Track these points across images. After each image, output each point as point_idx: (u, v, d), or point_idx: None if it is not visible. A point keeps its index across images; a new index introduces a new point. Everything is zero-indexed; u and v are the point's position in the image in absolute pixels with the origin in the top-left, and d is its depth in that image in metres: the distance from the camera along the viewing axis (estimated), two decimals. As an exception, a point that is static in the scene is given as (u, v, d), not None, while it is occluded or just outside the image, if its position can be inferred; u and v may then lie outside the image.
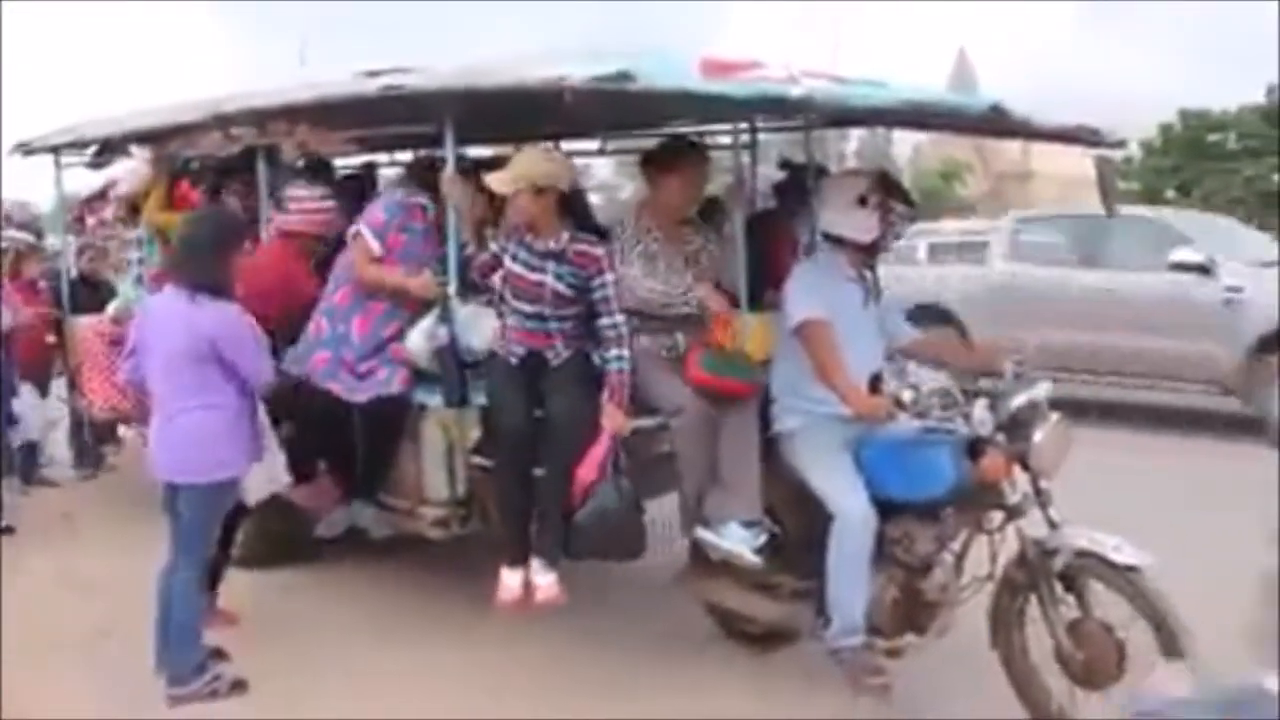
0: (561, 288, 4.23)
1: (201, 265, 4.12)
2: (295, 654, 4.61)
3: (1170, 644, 3.42)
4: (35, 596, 5.41)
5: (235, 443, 4.19)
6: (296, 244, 5.13)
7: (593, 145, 6.81)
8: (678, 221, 4.53)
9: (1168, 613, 3.45)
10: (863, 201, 4.08)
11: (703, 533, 4.16)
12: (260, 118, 5.10)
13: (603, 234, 4.55)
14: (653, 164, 4.56)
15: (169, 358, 4.10)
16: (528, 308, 4.29)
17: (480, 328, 4.40)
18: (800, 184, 5.47)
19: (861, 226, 4.09)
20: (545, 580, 4.18)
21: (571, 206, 4.48)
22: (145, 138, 6.06)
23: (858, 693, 3.92)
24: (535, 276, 4.26)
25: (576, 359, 4.33)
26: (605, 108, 4.44)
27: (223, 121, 5.26)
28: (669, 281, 4.40)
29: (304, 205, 5.11)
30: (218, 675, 4.24)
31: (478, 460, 4.39)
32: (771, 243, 4.99)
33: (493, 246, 4.40)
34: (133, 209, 6.60)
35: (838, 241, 4.17)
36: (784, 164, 5.84)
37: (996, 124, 4.15)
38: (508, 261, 4.32)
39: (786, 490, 4.16)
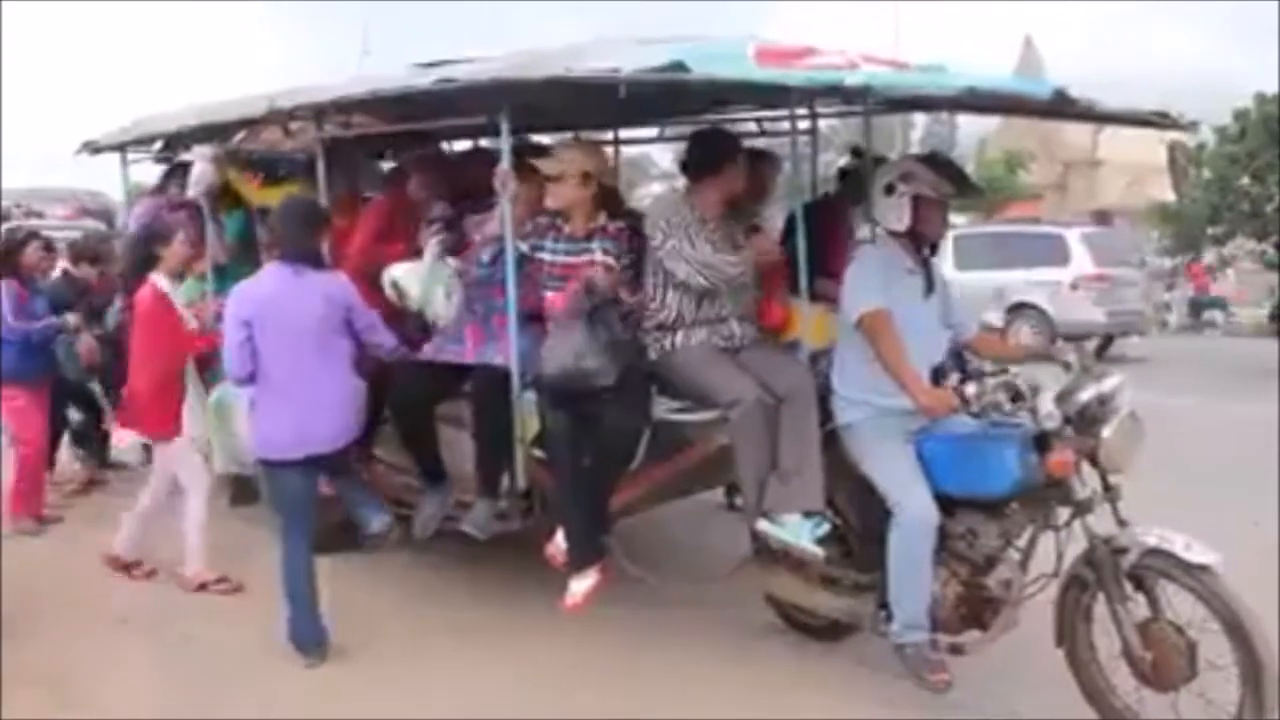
0: (611, 260, 4.37)
1: (306, 240, 4.42)
2: (350, 640, 4.66)
3: (1243, 644, 3.32)
4: (107, 575, 5.57)
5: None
6: None
7: (649, 133, 6.77)
8: (725, 213, 4.49)
9: (1241, 612, 3.35)
10: (889, 189, 4.01)
11: (764, 524, 4.10)
12: (317, 111, 5.13)
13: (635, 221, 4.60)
14: (690, 168, 4.51)
15: (310, 330, 4.33)
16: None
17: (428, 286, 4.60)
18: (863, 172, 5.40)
19: (890, 214, 4.02)
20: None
21: (608, 200, 4.60)
22: (206, 133, 6.13)
23: (920, 688, 3.87)
24: (583, 258, 4.38)
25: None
26: (661, 96, 4.40)
27: (280, 115, 5.30)
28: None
29: None
30: None
31: (538, 454, 4.39)
32: (826, 230, 4.91)
33: (522, 246, 4.44)
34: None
35: (892, 232, 4.10)
36: (855, 151, 5.76)
37: (1065, 109, 4.04)
38: (546, 256, 4.44)
39: (847, 483, 4.10)
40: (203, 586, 5.35)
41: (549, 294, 4.47)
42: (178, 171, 7.28)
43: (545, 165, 4.41)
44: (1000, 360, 4.28)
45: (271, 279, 4.44)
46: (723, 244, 4.34)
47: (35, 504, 6.47)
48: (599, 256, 4.38)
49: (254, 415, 4.50)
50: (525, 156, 4.63)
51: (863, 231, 5.74)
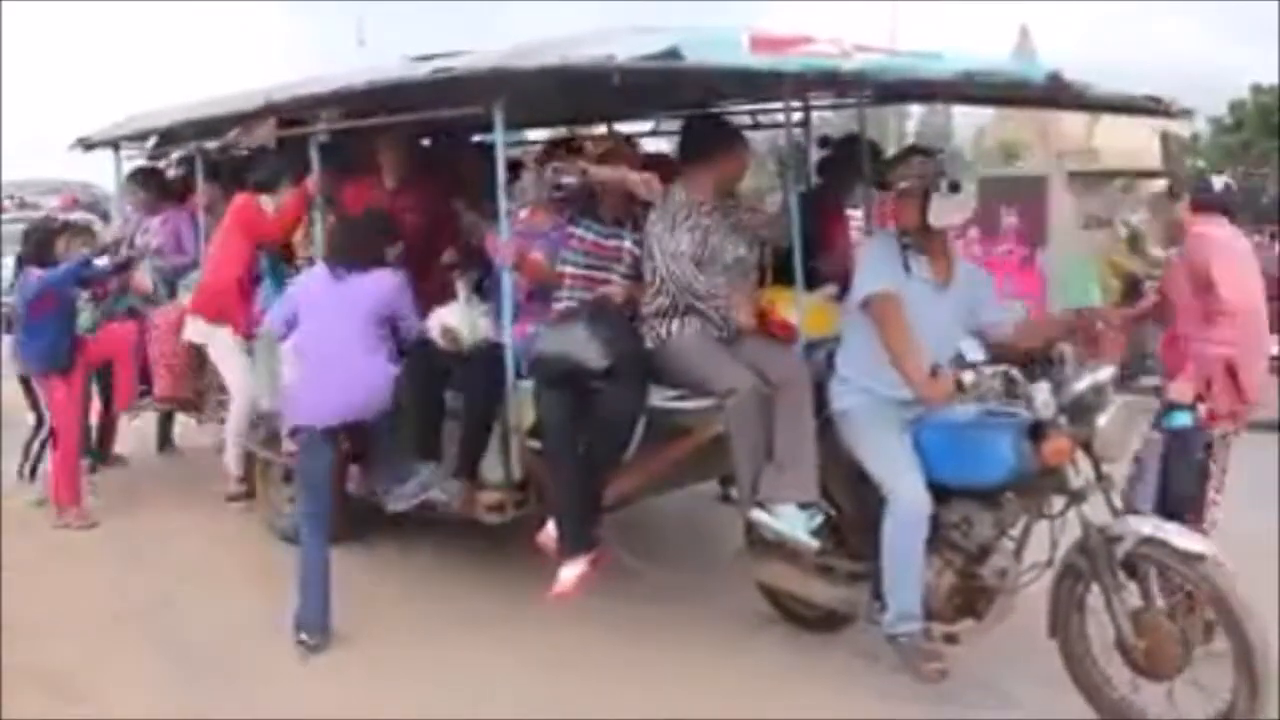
0: (638, 251, 4.57)
1: (356, 251, 4.79)
2: (352, 628, 4.67)
3: (1237, 632, 3.33)
4: (103, 570, 5.59)
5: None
6: None
7: (645, 126, 6.76)
8: (722, 196, 4.50)
9: (1234, 600, 3.36)
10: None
11: (758, 514, 4.10)
12: (312, 105, 5.12)
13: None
14: (683, 155, 4.55)
15: (346, 322, 4.67)
16: (600, 274, 4.59)
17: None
18: (844, 158, 5.39)
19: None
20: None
21: None
22: (200, 129, 6.11)
23: (914, 679, 3.87)
24: (613, 243, 4.62)
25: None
26: (656, 87, 4.40)
27: (275, 110, 5.29)
28: (724, 257, 4.39)
29: None
30: None
31: (533, 443, 4.40)
32: (819, 220, 4.91)
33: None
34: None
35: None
36: (823, 141, 5.78)
37: (1058, 94, 4.03)
38: (579, 231, 4.61)
39: (842, 472, 4.09)
40: (234, 499, 5.94)
41: (568, 269, 4.62)
42: (140, 175, 7.28)
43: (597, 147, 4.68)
44: (1045, 338, 4.11)
45: (315, 278, 4.88)
46: (718, 230, 4.38)
47: (77, 494, 6.49)
48: (628, 245, 4.60)
49: (290, 388, 4.89)
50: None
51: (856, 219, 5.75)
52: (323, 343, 4.69)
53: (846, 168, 5.42)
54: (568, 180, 4.74)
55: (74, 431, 6.44)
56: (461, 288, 4.86)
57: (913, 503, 3.76)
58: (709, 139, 4.50)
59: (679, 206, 4.34)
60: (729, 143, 4.49)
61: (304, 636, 4.50)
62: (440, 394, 4.80)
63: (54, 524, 6.27)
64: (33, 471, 6.71)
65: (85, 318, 6.66)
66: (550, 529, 4.33)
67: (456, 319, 4.70)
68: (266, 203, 5.86)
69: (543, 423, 4.30)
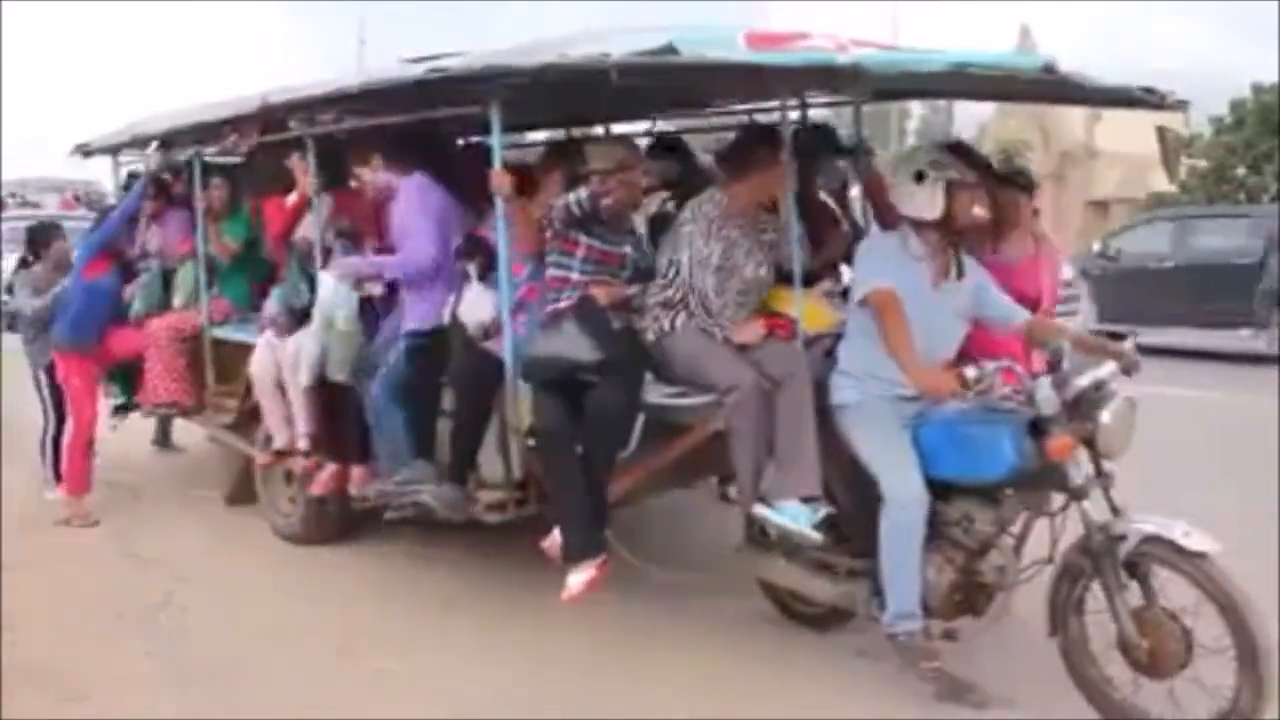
0: (638, 257, 4.59)
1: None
2: (362, 628, 4.67)
3: (1241, 630, 3.31)
4: (104, 570, 5.60)
5: None
6: None
7: (642, 127, 6.75)
8: (757, 209, 4.53)
9: (1238, 598, 3.34)
10: (919, 177, 3.94)
11: (761, 509, 4.10)
12: (307, 106, 5.11)
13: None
14: (734, 160, 4.56)
15: (449, 234, 5.00)
16: (604, 280, 4.52)
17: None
18: (807, 150, 5.35)
19: (923, 204, 3.94)
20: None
21: None
22: (198, 134, 6.11)
23: (915, 678, 3.86)
24: (617, 250, 4.56)
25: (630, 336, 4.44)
26: (652, 88, 4.39)
27: (270, 112, 5.28)
28: (743, 272, 4.43)
29: None
30: None
31: (533, 443, 4.39)
32: (807, 218, 4.90)
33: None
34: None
35: (913, 220, 4.01)
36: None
37: (1054, 87, 4.00)
38: (585, 239, 4.51)
39: (842, 468, 4.08)
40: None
41: (573, 275, 4.51)
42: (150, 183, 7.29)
43: (600, 156, 4.58)
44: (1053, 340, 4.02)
45: (424, 187, 5.03)
46: (741, 245, 4.40)
47: (89, 483, 6.51)
48: (630, 252, 4.58)
49: (410, 300, 5.03)
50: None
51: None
52: (445, 253, 4.92)
53: (813, 159, 5.23)
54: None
55: (90, 419, 6.45)
56: (473, 275, 4.85)
57: (910, 500, 3.75)
58: (750, 151, 4.50)
59: (715, 215, 4.37)
60: (765, 159, 4.45)
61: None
62: (435, 389, 4.79)
63: (55, 521, 6.28)
64: (55, 472, 6.68)
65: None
66: (555, 535, 4.31)
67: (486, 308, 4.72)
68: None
69: (539, 427, 4.28)
